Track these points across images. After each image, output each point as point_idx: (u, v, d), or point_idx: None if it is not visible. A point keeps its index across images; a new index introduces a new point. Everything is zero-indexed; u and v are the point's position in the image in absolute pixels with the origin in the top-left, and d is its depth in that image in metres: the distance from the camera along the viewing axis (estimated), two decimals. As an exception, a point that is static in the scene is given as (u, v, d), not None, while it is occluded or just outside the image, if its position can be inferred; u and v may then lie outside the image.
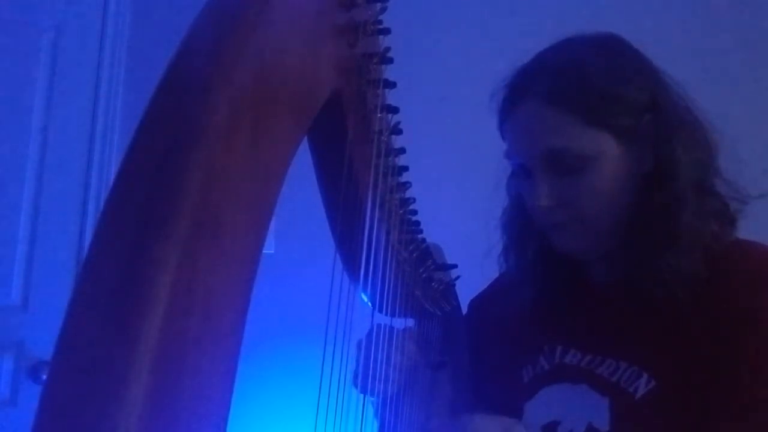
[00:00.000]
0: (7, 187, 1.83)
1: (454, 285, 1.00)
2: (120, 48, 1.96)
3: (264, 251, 0.36)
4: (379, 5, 0.52)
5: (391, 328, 0.82)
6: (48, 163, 1.86)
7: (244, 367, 0.37)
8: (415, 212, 0.77)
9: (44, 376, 1.72)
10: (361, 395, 0.78)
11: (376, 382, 0.80)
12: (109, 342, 0.28)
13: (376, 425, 0.82)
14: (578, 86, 0.76)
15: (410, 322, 0.91)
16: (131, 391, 0.27)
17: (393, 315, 0.78)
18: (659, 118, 0.78)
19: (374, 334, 0.81)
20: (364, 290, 0.67)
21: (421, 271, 0.86)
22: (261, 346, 1.71)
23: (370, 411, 0.84)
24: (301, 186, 0.55)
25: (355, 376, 0.82)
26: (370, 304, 0.71)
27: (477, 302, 1.04)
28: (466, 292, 1.04)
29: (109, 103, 1.93)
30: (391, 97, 0.59)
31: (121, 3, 1.97)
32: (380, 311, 0.73)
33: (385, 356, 0.81)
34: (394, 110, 0.60)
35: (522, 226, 0.89)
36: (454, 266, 0.96)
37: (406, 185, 0.72)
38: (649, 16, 1.88)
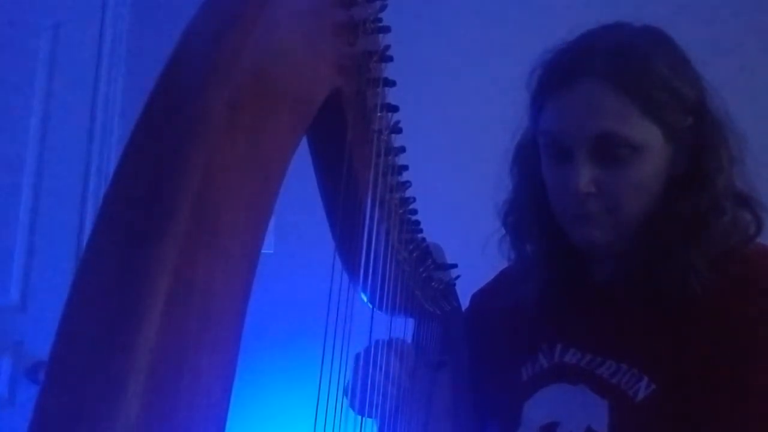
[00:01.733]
0: (5, 186, 1.83)
1: (454, 285, 1.00)
2: (119, 46, 1.96)
3: (264, 251, 0.36)
4: (379, 3, 0.52)
5: (383, 347, 0.81)
6: (46, 162, 1.86)
7: (244, 367, 0.37)
8: (415, 212, 0.77)
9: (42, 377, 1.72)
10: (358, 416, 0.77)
11: (371, 407, 0.79)
12: (106, 342, 0.28)
13: (376, 426, 0.82)
14: (642, 73, 0.74)
15: (409, 322, 0.90)
16: (129, 391, 0.27)
17: (393, 314, 0.78)
18: (704, 121, 0.77)
19: (368, 360, 0.80)
20: (364, 290, 0.67)
21: (421, 270, 0.85)
22: (260, 346, 1.71)
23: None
24: (300, 185, 0.55)
25: (351, 401, 0.80)
26: (369, 303, 0.70)
27: (479, 296, 1.03)
28: (466, 292, 1.04)
29: (107, 102, 1.93)
30: (391, 96, 0.59)
31: (120, 1, 1.97)
32: (380, 311, 0.73)
33: (380, 382, 0.80)
34: (394, 109, 0.60)
35: (528, 217, 0.87)
36: (454, 266, 0.96)
37: (405, 184, 0.71)
38: (654, 17, 1.88)
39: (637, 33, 0.79)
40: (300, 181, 0.52)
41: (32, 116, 1.86)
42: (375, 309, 0.72)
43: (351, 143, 0.52)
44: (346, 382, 0.81)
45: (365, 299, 0.69)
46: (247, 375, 0.57)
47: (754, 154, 0.80)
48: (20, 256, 1.83)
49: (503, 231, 0.91)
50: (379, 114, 0.58)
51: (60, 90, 1.89)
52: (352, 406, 0.79)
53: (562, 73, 0.77)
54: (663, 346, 0.76)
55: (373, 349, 0.80)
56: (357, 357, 0.82)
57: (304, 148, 0.48)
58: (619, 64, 0.74)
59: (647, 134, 0.74)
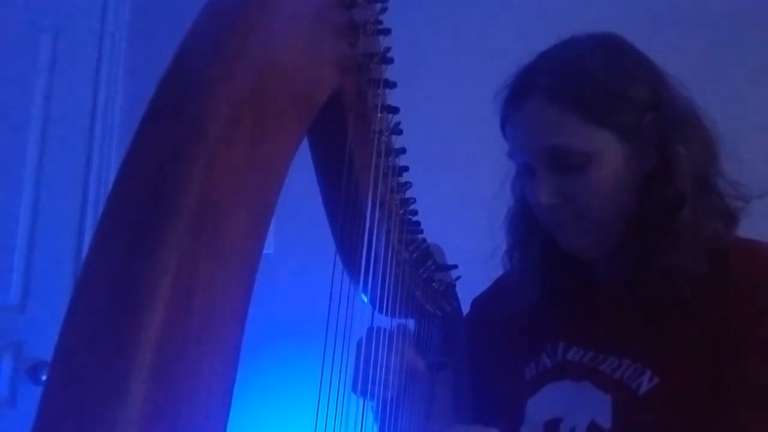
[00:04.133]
0: (5, 187, 1.83)
1: (454, 286, 1.00)
2: (119, 48, 1.96)
3: (263, 251, 0.36)
4: (379, 5, 0.52)
5: (388, 330, 0.82)
6: (47, 164, 1.86)
7: (244, 368, 0.37)
8: (415, 212, 0.77)
9: (43, 377, 1.73)
10: (361, 398, 0.78)
11: (375, 386, 0.79)
12: (109, 343, 0.28)
13: (376, 427, 0.82)
14: (580, 84, 0.77)
15: (410, 323, 0.90)
16: (131, 392, 0.27)
17: (393, 315, 0.78)
18: (662, 116, 0.78)
19: (371, 337, 0.80)
20: (365, 290, 0.67)
21: (421, 271, 0.85)
22: (261, 347, 1.71)
23: (371, 412, 0.83)
24: (301, 186, 0.55)
25: (354, 381, 0.81)
26: (370, 304, 0.71)
27: (479, 301, 1.04)
28: (466, 293, 1.04)
29: (107, 103, 1.93)
30: (392, 97, 0.59)
31: (120, 3, 1.97)
32: (380, 312, 0.73)
33: (382, 360, 0.80)
34: (395, 110, 0.60)
35: (526, 225, 0.89)
36: (455, 267, 0.96)
37: (406, 185, 0.72)
38: (648, 17, 1.88)
39: (582, 45, 0.81)
40: (301, 181, 0.52)
41: (32, 117, 1.87)
42: (375, 310, 0.72)
43: (351, 144, 0.52)
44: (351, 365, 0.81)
45: (365, 300, 0.69)
46: (248, 375, 0.57)
47: (749, 152, 0.81)
48: (20, 257, 1.83)
49: (505, 242, 0.93)
50: (379, 115, 0.58)
51: (60, 91, 1.89)
52: (354, 388, 0.79)
53: (513, 95, 0.81)
54: (664, 340, 0.77)
55: (374, 332, 0.80)
56: (361, 339, 0.82)
57: (305, 148, 0.48)
58: (559, 78, 0.77)
59: (597, 140, 0.76)
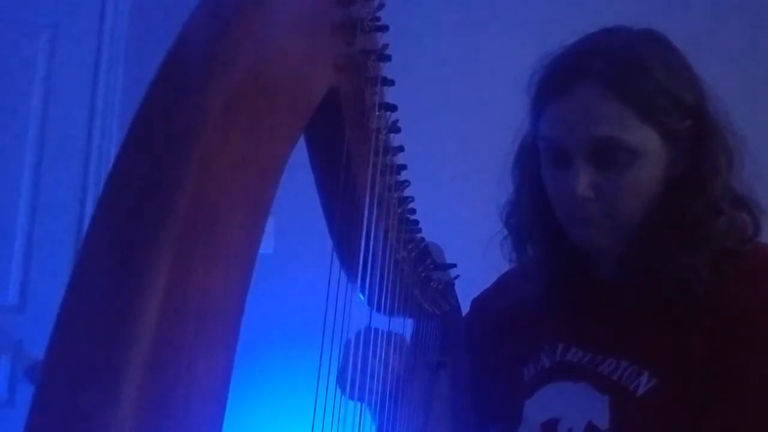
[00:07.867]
0: (4, 186, 1.83)
1: (453, 284, 0.99)
2: (117, 46, 1.95)
3: (262, 251, 0.36)
4: (377, 2, 0.51)
5: (377, 333, 0.81)
6: (45, 163, 1.86)
7: (241, 368, 0.36)
8: (413, 211, 0.77)
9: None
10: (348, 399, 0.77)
11: (354, 389, 0.78)
12: (102, 344, 0.28)
13: (374, 427, 0.81)
14: (642, 79, 0.75)
15: (408, 322, 0.90)
16: (125, 392, 0.27)
17: (391, 315, 0.77)
18: (701, 123, 0.78)
19: (362, 339, 0.79)
20: (363, 290, 0.66)
21: (419, 270, 0.85)
22: (259, 347, 1.71)
23: (368, 412, 0.83)
24: (299, 185, 0.55)
25: (337, 380, 0.80)
26: (368, 304, 0.70)
27: (480, 301, 1.03)
28: (465, 292, 1.03)
29: (106, 101, 1.93)
30: (389, 95, 0.59)
31: (119, 1, 1.96)
32: (378, 311, 0.73)
33: (364, 365, 0.79)
34: (392, 108, 0.60)
35: (529, 218, 0.87)
36: (453, 266, 0.96)
37: (404, 184, 0.71)
38: (655, 17, 1.88)
39: (635, 37, 0.79)
40: (300, 181, 0.51)
41: (31, 116, 1.86)
42: (373, 310, 0.72)
43: (349, 142, 0.52)
44: (339, 366, 0.80)
45: (363, 299, 0.69)
46: (245, 375, 0.57)
47: (753, 155, 0.80)
48: (19, 257, 1.83)
49: (504, 232, 0.91)
50: (377, 113, 0.58)
51: (59, 90, 1.89)
52: (342, 388, 0.79)
53: (561, 78, 0.78)
54: (663, 342, 0.77)
55: (364, 333, 0.80)
56: (348, 341, 0.81)
57: (302, 147, 0.48)
58: (617, 69, 0.75)
59: (645, 139, 0.75)
